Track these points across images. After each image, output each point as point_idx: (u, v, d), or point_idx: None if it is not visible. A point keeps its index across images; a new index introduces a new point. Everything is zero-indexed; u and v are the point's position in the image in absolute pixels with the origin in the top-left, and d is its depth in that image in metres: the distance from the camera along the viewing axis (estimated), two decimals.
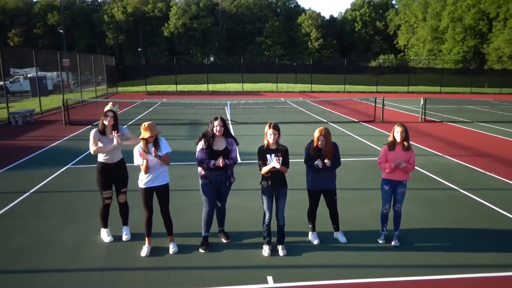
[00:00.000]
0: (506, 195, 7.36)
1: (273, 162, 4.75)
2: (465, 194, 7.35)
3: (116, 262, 4.78)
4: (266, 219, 4.97)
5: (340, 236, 5.42)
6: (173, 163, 9.32)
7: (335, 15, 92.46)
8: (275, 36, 77.58)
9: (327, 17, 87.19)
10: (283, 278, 4.41)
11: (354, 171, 8.88)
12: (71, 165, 9.31)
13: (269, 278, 4.40)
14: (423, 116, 17.26)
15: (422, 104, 17.26)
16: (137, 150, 4.77)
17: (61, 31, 43.42)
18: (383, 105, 17.09)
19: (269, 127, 4.83)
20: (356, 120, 16.93)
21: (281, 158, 4.76)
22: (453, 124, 16.38)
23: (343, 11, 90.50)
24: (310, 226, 5.47)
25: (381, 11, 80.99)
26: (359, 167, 9.30)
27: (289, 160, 4.96)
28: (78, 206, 6.65)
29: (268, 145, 4.88)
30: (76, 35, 74.41)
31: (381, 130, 14.52)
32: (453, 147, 11.76)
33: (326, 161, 5.02)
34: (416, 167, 9.18)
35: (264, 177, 4.93)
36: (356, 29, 79.83)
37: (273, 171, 4.82)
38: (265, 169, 4.86)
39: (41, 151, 10.80)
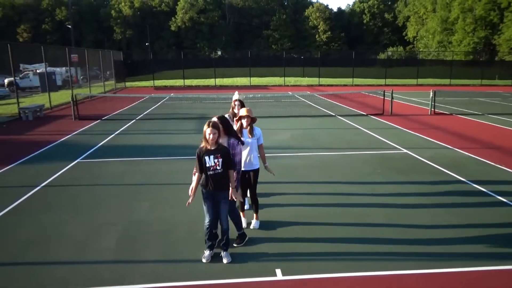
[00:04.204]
0: None
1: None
2: (475, 187, 7.28)
3: (125, 255, 4.83)
4: (206, 222, 4.68)
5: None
6: (181, 157, 9.41)
7: (343, 7, 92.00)
8: (282, 29, 77.08)
9: (335, 9, 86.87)
10: (292, 271, 4.42)
11: (363, 165, 8.82)
12: (81, 159, 9.40)
13: (278, 271, 4.42)
14: (432, 109, 17.08)
15: (432, 97, 17.07)
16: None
17: (69, 27, 43.66)
18: (392, 98, 16.94)
19: (208, 125, 4.40)
20: (365, 113, 16.81)
21: (220, 160, 4.46)
22: (463, 117, 16.18)
23: (351, 3, 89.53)
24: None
25: (389, 3, 79.98)
26: (367, 160, 9.25)
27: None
28: (88, 199, 6.72)
29: (206, 146, 4.47)
30: (84, 30, 74.68)
31: (389, 123, 14.40)
32: (463, 139, 11.63)
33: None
34: (425, 160, 9.15)
35: (203, 181, 4.58)
36: (364, 21, 78.91)
37: (211, 174, 4.49)
38: (190, 188, 4.63)
39: (51, 146, 10.92)
